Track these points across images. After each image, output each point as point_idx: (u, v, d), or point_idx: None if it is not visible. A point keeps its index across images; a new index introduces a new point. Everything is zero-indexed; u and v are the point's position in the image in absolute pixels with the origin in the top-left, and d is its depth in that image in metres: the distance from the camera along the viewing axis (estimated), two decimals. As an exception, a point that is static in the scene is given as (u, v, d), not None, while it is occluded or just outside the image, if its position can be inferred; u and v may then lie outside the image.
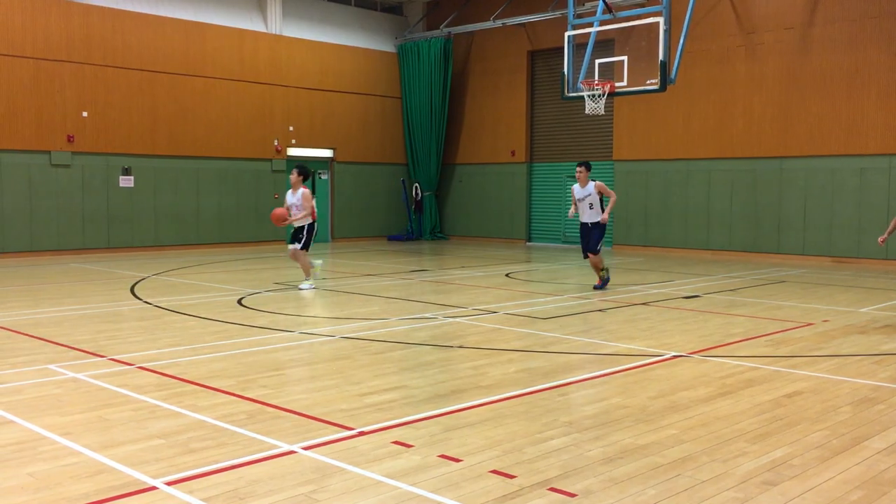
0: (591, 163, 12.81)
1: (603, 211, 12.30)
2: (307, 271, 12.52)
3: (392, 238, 25.09)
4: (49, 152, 18.60)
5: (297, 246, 12.34)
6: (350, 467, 4.45)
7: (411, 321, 9.54)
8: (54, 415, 5.46)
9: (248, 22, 22.08)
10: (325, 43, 23.62)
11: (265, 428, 5.18)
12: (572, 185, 12.89)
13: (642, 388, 6.41)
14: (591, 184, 12.31)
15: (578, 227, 12.77)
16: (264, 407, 5.71)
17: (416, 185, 25.22)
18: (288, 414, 5.53)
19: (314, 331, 8.91)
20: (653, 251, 20.48)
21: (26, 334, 8.51)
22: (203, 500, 3.99)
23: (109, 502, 3.96)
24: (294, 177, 12.43)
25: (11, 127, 17.99)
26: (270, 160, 22.53)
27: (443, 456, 4.65)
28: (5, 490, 4.10)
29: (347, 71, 24.15)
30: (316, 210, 12.52)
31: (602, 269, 12.59)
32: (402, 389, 6.27)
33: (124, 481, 4.24)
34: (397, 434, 5.08)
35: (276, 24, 22.51)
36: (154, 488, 4.14)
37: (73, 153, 18.98)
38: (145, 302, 11.13)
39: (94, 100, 19.20)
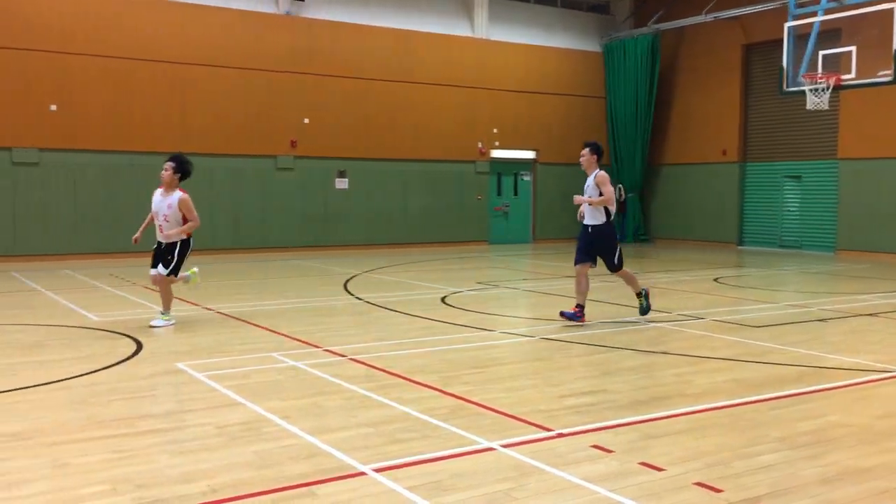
0: (600, 145, 9.50)
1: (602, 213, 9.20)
2: (168, 303, 9.13)
3: (594, 240, 24.76)
4: (276, 157, 20.17)
5: (162, 271, 8.94)
6: (548, 468, 4.46)
7: (612, 325, 9.38)
8: (276, 399, 5.91)
9: (455, 28, 22.71)
10: (530, 45, 23.78)
11: (466, 424, 5.31)
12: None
13: (867, 405, 5.89)
14: (596, 172, 9.26)
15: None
16: (465, 403, 5.85)
17: (620, 186, 24.73)
18: (488, 412, 5.63)
19: (514, 331, 9.00)
20: (882, 258, 18.73)
21: (254, 324, 9.28)
22: (407, 488, 4.16)
23: (323, 483, 4.23)
24: (168, 174, 8.90)
25: (248, 134, 19.69)
26: (474, 162, 23.03)
27: (644, 464, 4.54)
28: (234, 465, 4.50)
29: (551, 72, 24.16)
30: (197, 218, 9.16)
31: (638, 295, 9.65)
32: (601, 393, 6.19)
33: (336, 465, 4.51)
34: (596, 438, 5.02)
35: (483, 29, 22.96)
36: (363, 473, 4.38)
37: (296, 157, 20.45)
38: (357, 297, 11.76)
39: (313, 107, 20.57)
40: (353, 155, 21.20)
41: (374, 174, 21.54)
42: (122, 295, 11.90)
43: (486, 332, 8.81)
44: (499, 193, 23.88)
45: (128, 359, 7.35)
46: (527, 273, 15.76)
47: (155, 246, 9.15)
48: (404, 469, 4.45)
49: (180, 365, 7.00)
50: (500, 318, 9.91)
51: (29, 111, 17.33)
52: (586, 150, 9.37)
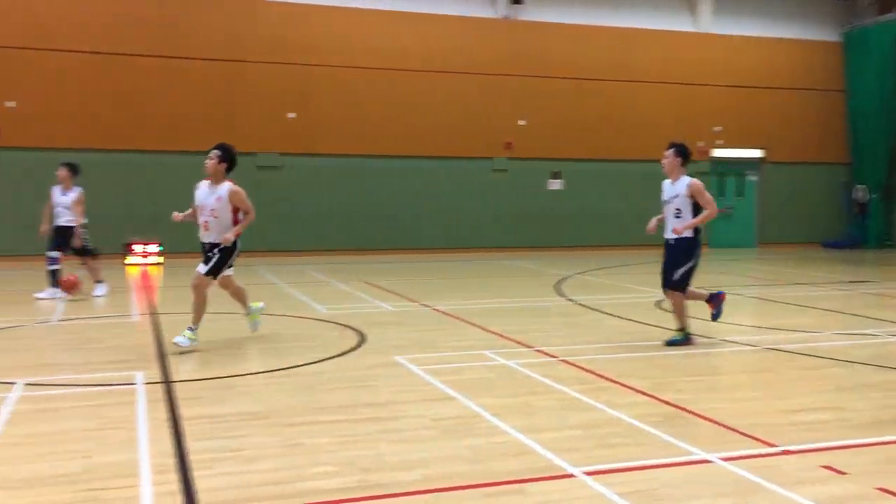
0: (686, 147, 8.10)
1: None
2: (198, 316, 7.88)
3: (828, 244, 22.90)
4: (491, 158, 20.56)
5: (201, 269, 8.05)
6: (772, 486, 4.18)
7: (849, 337, 8.62)
8: (487, 396, 6.01)
9: (675, 23, 21.93)
10: (758, 37, 22.44)
11: (681, 432, 5.10)
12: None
13: None
14: (684, 180, 7.95)
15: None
16: (680, 411, 5.62)
17: (861, 186, 22.67)
18: (705, 421, 5.38)
19: (736, 339, 8.53)
20: None
21: (467, 321, 9.50)
22: (619, 494, 4.07)
23: (533, 482, 4.24)
24: (213, 163, 8.45)
25: (465, 137, 20.24)
26: (695, 162, 22.13)
27: (883, 489, 4.13)
28: (448, 457, 4.63)
29: (781, 65, 22.63)
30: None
31: (680, 329, 8.13)
32: (836, 410, 5.70)
33: (546, 464, 4.51)
34: (829, 458, 4.63)
35: (706, 22, 21.99)
36: (573, 476, 4.34)
37: (510, 159, 20.71)
38: (568, 299, 11.69)
39: (529, 109, 20.73)
40: (569, 156, 21.11)
41: (590, 175, 21.32)
42: (348, 290, 12.65)
43: (704, 339, 8.41)
44: (721, 195, 22.76)
45: (351, 350, 7.79)
46: (752, 279, 14.87)
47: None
48: (615, 474, 4.36)
49: (398, 358, 7.32)
50: (721, 325, 9.43)
51: (272, 119, 18.93)
52: (670, 152, 8.01)
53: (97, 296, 11.66)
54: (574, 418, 5.45)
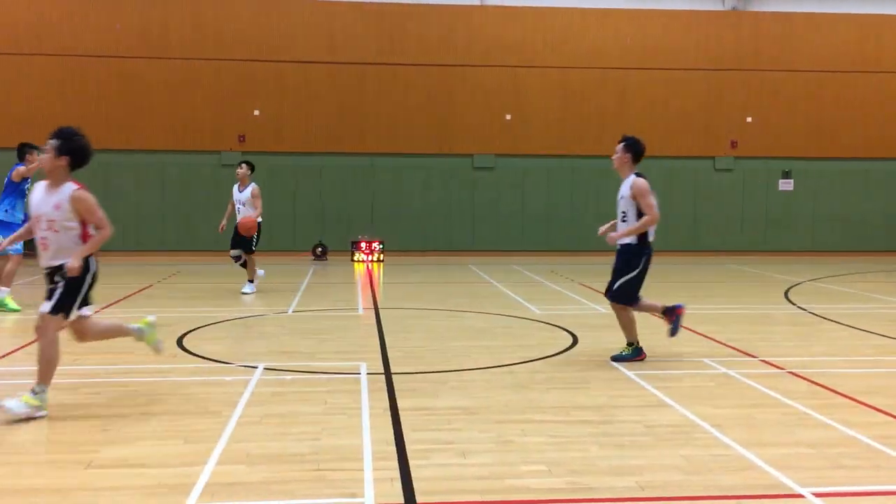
0: (639, 142, 7.14)
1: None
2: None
3: None
4: (713, 158, 19.64)
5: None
6: None
7: None
8: (707, 405, 5.74)
9: (931, 5, 19.78)
10: None
11: (931, 459, 4.58)
12: None
13: None
14: (630, 179, 7.08)
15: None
16: (931, 436, 5.05)
17: None
18: (961, 449, 4.79)
19: None
20: None
21: (687, 327, 9.13)
22: (853, 521, 3.73)
23: (755, 499, 4.00)
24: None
25: (681, 135, 19.52)
26: (952, 159, 19.82)
27: None
28: (662, 466, 4.47)
29: None
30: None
31: (629, 344, 7.26)
32: None
33: (770, 482, 4.23)
34: None
35: (968, 3, 19.65)
36: (800, 496, 4.03)
37: (736, 158, 19.67)
38: (799, 307, 10.89)
39: (757, 105, 19.56)
40: (801, 154, 19.69)
41: (825, 174, 19.76)
42: (561, 291, 12.61)
43: (960, 357, 7.51)
44: None
45: (564, 351, 7.76)
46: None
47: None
48: (850, 498, 4.00)
49: (613, 362, 7.17)
50: (982, 342, 8.36)
51: (488, 122, 19.32)
52: (620, 146, 7.17)
53: (245, 293, 11.68)
54: (803, 435, 5.06)
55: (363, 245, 17.70)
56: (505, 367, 6.99)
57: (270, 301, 11.13)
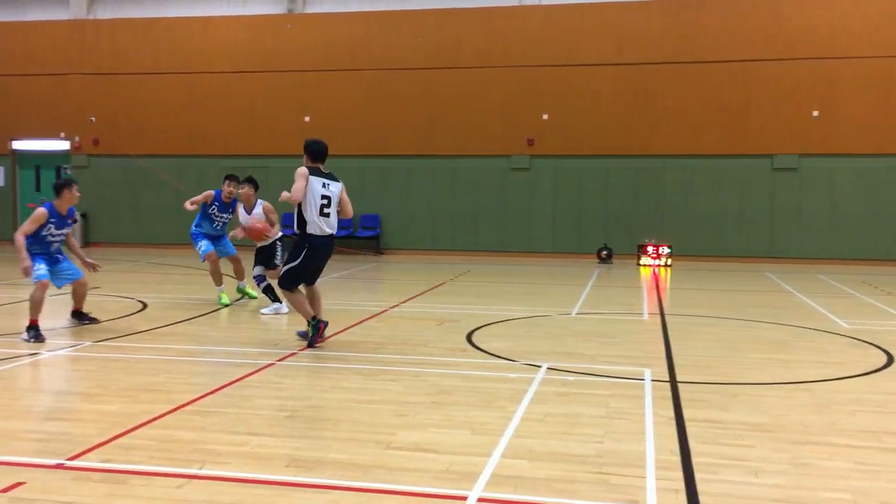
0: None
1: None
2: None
3: None
4: None
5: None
6: None
7: None
8: None
9: None
10: None
11: None
12: None
13: None
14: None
15: None
16: None
17: None
18: None
19: None
20: None
21: None
22: None
23: None
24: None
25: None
26: None
27: None
28: None
29: None
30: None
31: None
32: None
33: None
34: None
35: None
36: None
37: None
38: None
39: None
40: None
41: None
42: (874, 304, 11.36)
43: None
44: None
45: (876, 371, 6.97)
46: None
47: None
48: None
49: (936, 386, 6.31)
50: None
51: (790, 119, 17.94)
52: None
53: (263, 314, 9.90)
54: None
55: (650, 249, 17.29)
56: (802, 384, 6.44)
57: (554, 302, 11.26)
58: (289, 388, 6.16)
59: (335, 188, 7.66)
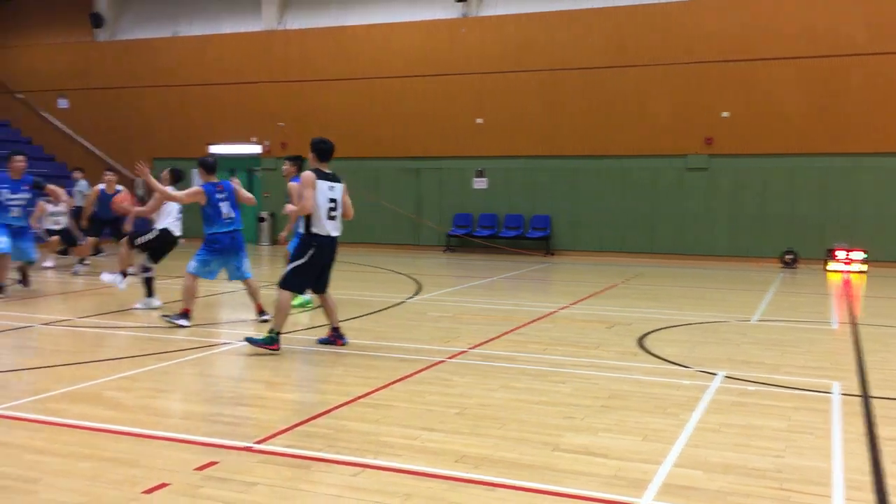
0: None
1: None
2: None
3: None
4: None
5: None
6: None
7: None
8: None
9: None
10: None
11: None
12: None
13: None
14: None
15: None
16: None
17: None
18: None
19: None
20: None
21: None
22: None
23: None
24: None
25: None
26: None
27: None
28: None
29: None
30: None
31: (271, 330, 7.35)
32: None
33: None
34: None
35: None
36: None
37: None
38: None
39: None
40: None
41: None
42: None
43: None
44: None
45: None
46: None
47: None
48: None
49: None
50: None
51: None
52: None
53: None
54: None
55: (839, 254, 16.12)
56: None
57: (732, 307, 10.76)
58: (458, 385, 6.27)
59: (339, 189, 7.46)
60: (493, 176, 19.94)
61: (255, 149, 22.49)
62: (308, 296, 9.70)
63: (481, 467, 4.39)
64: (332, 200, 7.36)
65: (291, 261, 7.47)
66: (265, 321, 8.63)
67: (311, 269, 7.41)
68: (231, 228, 8.78)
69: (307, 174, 7.30)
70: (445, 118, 20.32)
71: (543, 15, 19.50)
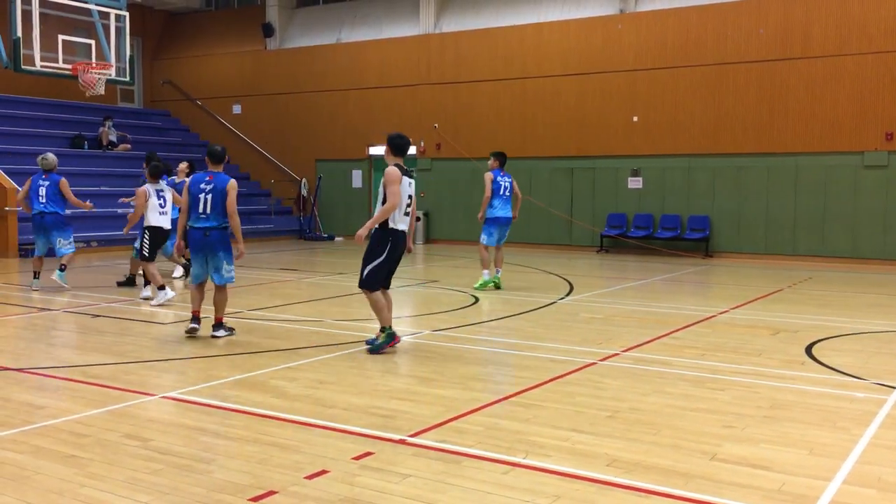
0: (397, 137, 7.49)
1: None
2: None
3: None
4: None
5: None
6: None
7: None
8: None
9: None
10: None
11: None
12: None
13: None
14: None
15: None
16: None
17: None
18: None
19: None
20: None
21: None
22: None
23: None
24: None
25: None
26: None
27: None
28: None
29: None
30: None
31: (382, 329, 7.40)
32: None
33: None
34: None
35: None
36: None
37: None
38: None
39: None
40: None
41: None
42: None
43: None
44: None
45: None
46: None
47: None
48: None
49: None
50: None
51: None
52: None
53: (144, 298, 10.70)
54: None
55: None
56: None
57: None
58: (610, 388, 6.16)
59: (413, 185, 7.46)
60: (648, 175, 19.42)
61: (411, 150, 23.00)
62: (487, 276, 11.00)
63: (634, 473, 4.29)
64: (410, 197, 7.38)
65: (370, 259, 7.30)
66: (215, 336, 8.01)
67: (387, 264, 7.37)
68: (203, 225, 7.91)
69: (393, 170, 7.22)
70: (599, 117, 19.98)
71: (706, 8, 18.75)
